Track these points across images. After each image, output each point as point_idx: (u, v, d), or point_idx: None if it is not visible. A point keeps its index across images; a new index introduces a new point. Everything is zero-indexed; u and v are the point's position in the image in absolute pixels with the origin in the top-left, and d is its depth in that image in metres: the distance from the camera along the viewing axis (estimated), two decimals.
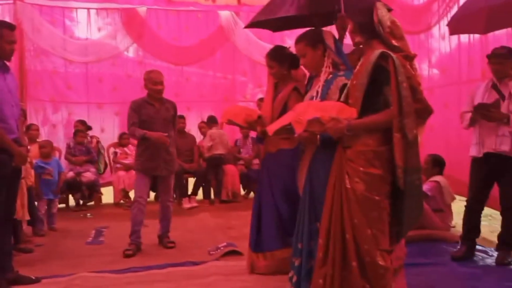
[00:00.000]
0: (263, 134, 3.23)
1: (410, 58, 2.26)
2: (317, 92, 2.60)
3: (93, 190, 6.31)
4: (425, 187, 4.18)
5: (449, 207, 4.37)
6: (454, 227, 4.48)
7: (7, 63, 3.08)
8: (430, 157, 4.43)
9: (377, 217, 2.25)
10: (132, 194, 5.90)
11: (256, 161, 6.85)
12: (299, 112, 2.36)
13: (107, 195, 6.67)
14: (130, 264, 3.66)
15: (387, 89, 2.21)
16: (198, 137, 7.08)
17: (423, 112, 2.27)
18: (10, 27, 3.00)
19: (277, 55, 3.29)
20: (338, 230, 2.29)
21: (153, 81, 4.08)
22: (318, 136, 2.48)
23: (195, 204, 6.38)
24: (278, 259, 3.22)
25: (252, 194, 6.94)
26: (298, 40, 2.73)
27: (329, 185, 2.36)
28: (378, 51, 2.22)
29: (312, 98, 2.63)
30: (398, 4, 5.88)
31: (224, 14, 7.52)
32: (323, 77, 2.61)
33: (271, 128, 2.63)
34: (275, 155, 3.28)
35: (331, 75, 2.61)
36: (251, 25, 3.82)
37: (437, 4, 5.19)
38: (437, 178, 4.31)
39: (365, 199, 2.23)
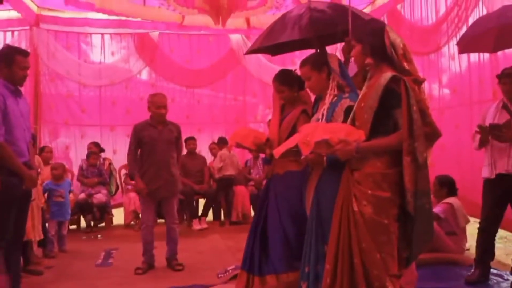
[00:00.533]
0: (271, 157, 3.23)
1: (419, 82, 2.26)
2: (323, 114, 2.61)
3: (104, 211, 6.34)
4: (437, 209, 4.10)
5: (463, 229, 4.26)
6: (468, 249, 4.37)
7: (20, 88, 3.15)
8: (436, 178, 4.35)
9: (386, 241, 2.21)
10: None
11: None
12: (306, 133, 2.35)
13: (118, 216, 6.70)
14: (138, 287, 3.64)
15: (397, 112, 2.20)
16: (209, 158, 7.11)
17: (432, 135, 2.26)
18: (24, 53, 3.07)
19: (286, 79, 3.30)
20: (346, 255, 2.25)
21: (156, 105, 4.16)
22: (325, 157, 2.47)
23: (205, 226, 6.36)
24: (283, 283, 3.16)
25: None
26: (303, 64, 2.76)
27: (336, 208, 2.33)
28: (388, 74, 2.22)
29: (318, 120, 2.64)
30: (407, 25, 5.92)
31: (235, 37, 7.64)
32: (328, 99, 2.62)
33: (278, 151, 2.63)
34: (282, 177, 3.26)
35: (336, 98, 2.62)
36: (252, 51, 3.88)
37: (446, 25, 5.20)
38: (450, 200, 4.23)
39: (374, 222, 2.20)
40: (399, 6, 6.05)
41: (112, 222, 6.63)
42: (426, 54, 5.54)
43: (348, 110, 2.46)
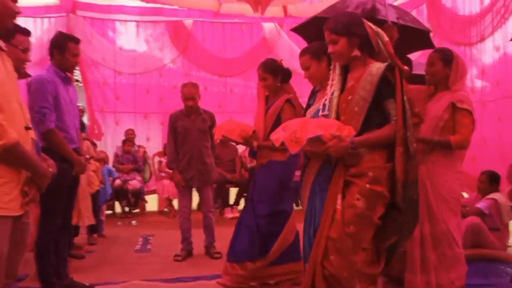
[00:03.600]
0: (258, 149, 3.30)
1: (405, 71, 2.18)
2: (324, 105, 2.44)
3: (138, 198, 6.45)
4: (482, 204, 4.02)
5: (506, 225, 4.17)
6: (510, 246, 4.27)
7: (69, 75, 3.20)
8: (485, 174, 4.23)
9: (366, 237, 2.15)
10: (176, 203, 6.00)
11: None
12: (293, 130, 2.19)
13: (151, 203, 6.80)
14: (179, 273, 3.69)
15: (389, 103, 2.15)
16: (241, 148, 7.10)
17: (417, 126, 2.27)
18: (75, 40, 3.10)
19: (270, 67, 3.31)
20: (320, 255, 2.19)
21: (184, 97, 4.20)
22: None
23: (237, 214, 6.38)
24: (250, 270, 3.25)
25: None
26: (303, 53, 2.71)
27: (325, 205, 2.24)
28: (379, 64, 2.17)
29: (318, 112, 2.48)
30: (448, 15, 5.75)
31: (268, 26, 7.57)
32: (330, 90, 2.46)
33: (277, 139, 2.32)
34: (266, 166, 3.29)
35: None
36: (300, 28, 3.71)
37: (491, 15, 5.03)
38: (495, 195, 4.12)
39: (363, 216, 2.12)
40: None
41: (145, 209, 6.74)
42: (468, 45, 5.38)
43: None
